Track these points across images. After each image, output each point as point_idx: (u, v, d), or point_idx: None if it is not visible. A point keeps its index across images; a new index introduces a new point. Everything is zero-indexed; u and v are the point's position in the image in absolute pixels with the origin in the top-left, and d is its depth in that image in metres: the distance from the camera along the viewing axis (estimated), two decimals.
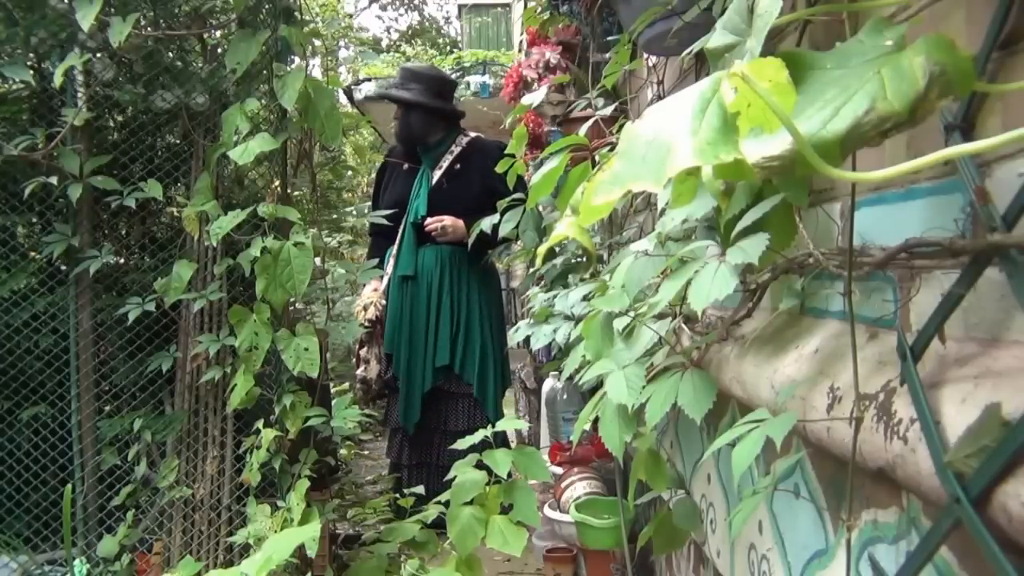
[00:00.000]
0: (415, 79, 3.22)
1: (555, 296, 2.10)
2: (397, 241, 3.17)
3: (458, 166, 3.19)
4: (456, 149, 3.22)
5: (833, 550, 0.86)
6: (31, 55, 2.39)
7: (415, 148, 3.23)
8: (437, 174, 3.20)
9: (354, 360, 3.17)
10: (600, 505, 2.15)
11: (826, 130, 0.49)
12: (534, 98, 1.74)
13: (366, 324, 2.98)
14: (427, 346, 3.09)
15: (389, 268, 3.15)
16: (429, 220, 3.10)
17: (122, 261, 2.53)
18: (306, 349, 2.10)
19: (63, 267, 2.40)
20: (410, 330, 3.09)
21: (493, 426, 1.89)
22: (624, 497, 1.69)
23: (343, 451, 4.20)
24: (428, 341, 3.09)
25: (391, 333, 3.13)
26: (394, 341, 3.12)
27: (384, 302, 3.10)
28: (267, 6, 2.28)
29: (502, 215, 2.55)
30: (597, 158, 1.47)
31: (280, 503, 2.09)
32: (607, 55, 2.00)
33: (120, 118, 2.61)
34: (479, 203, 2.87)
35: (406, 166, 3.21)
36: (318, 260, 2.24)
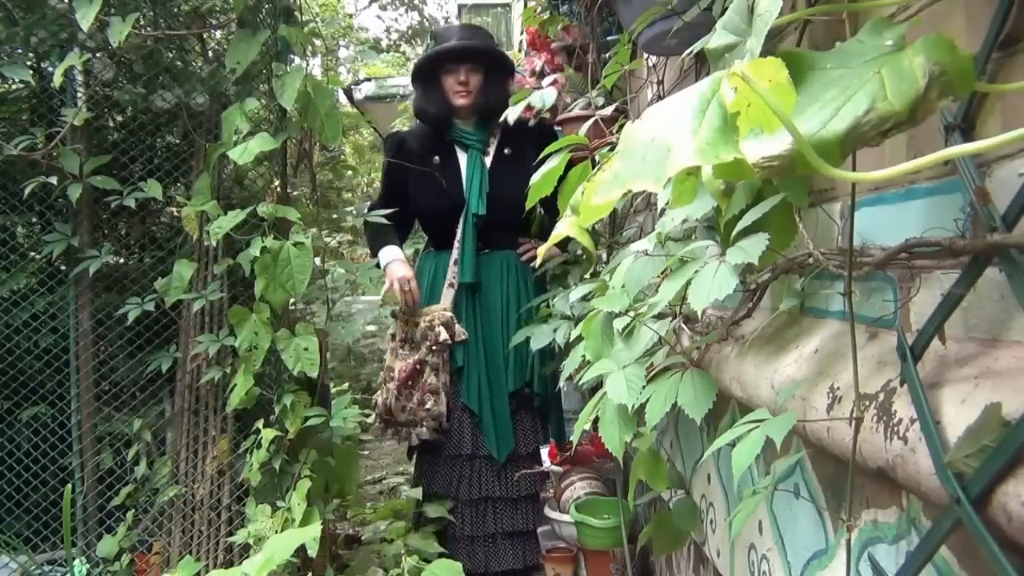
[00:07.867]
0: (482, 33, 2.62)
1: (555, 296, 2.11)
2: (458, 245, 2.49)
3: (507, 150, 2.57)
4: (499, 129, 2.56)
5: (833, 550, 0.86)
6: (31, 55, 2.39)
7: (445, 131, 2.55)
8: (487, 160, 2.55)
9: (397, 387, 2.45)
10: (600, 505, 2.15)
11: (826, 130, 0.49)
12: (546, 99, 1.72)
13: (435, 348, 2.44)
14: (505, 368, 2.52)
15: (452, 276, 2.50)
16: (524, 249, 2.55)
17: (122, 261, 2.53)
18: (306, 349, 2.10)
19: (63, 267, 2.40)
20: (485, 349, 2.52)
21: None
22: (624, 497, 1.69)
23: None
24: (504, 362, 2.52)
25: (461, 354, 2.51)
26: (466, 363, 2.51)
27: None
28: (267, 6, 2.28)
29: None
30: (597, 158, 1.47)
31: (280, 503, 2.09)
32: (607, 55, 2.00)
33: (120, 118, 2.61)
34: None
35: (437, 159, 2.53)
36: (318, 260, 2.23)
